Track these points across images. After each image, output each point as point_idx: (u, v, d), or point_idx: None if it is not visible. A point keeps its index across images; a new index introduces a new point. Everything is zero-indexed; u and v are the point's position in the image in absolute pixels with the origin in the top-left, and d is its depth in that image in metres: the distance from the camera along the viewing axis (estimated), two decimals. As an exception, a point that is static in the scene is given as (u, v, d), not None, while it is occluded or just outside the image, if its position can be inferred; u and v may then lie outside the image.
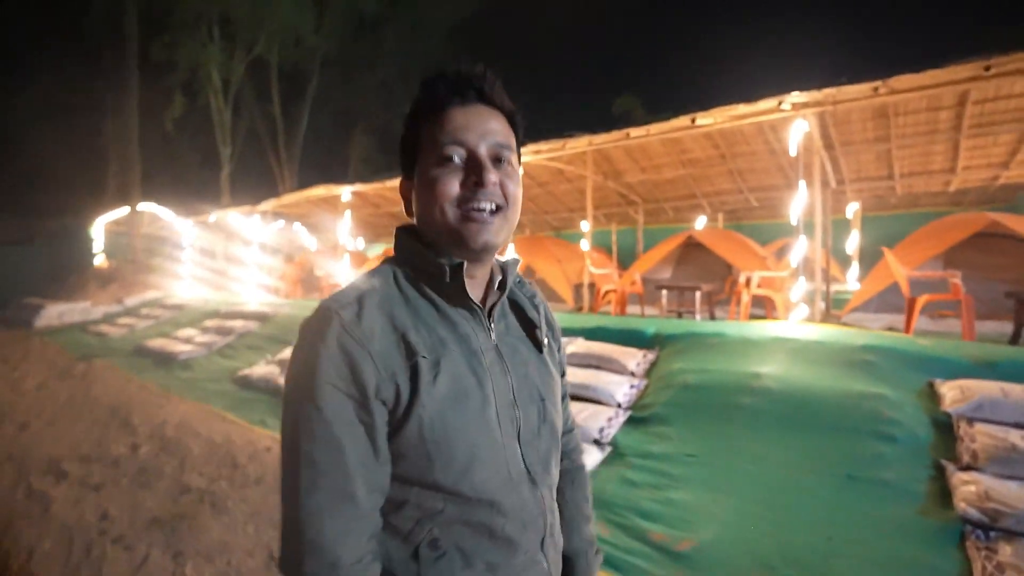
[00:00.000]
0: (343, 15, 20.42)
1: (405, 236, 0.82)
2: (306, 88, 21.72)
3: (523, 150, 6.20)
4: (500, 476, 0.77)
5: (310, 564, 0.67)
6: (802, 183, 4.78)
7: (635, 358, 4.55)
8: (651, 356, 4.62)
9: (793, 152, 4.78)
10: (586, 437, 3.79)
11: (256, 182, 20.76)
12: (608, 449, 3.69)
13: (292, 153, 21.59)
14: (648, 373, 4.43)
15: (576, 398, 4.28)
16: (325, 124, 23.89)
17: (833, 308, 7.29)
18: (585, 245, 7.53)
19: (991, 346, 3.81)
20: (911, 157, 7.39)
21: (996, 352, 3.69)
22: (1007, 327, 5.30)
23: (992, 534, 2.58)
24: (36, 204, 18.82)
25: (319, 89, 22.31)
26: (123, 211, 14.76)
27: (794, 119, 4.76)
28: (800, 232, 4.80)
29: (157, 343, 8.12)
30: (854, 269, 10.00)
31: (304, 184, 10.30)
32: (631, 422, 3.94)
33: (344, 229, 9.72)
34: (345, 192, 9.50)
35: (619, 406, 4.09)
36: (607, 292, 6.54)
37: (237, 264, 12.73)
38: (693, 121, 4.77)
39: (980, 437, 3.00)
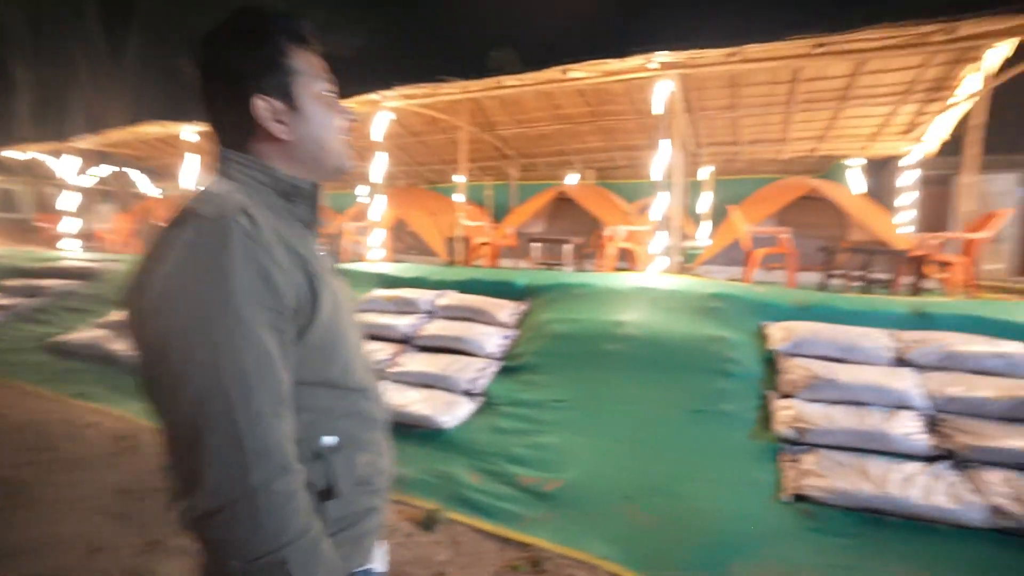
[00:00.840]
0: None
1: (254, 159, 0.82)
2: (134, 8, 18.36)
3: (393, 93, 5.76)
4: (364, 367, 0.88)
5: (258, 473, 0.64)
6: (666, 142, 5.04)
7: (507, 309, 4.59)
8: (523, 307, 4.69)
9: (658, 111, 5.00)
10: (457, 388, 3.77)
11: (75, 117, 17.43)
12: (480, 399, 3.70)
13: (122, 82, 18.33)
14: (520, 324, 4.50)
15: (448, 350, 4.23)
16: (168, 49, 20.50)
17: (687, 262, 7.99)
18: (460, 198, 7.39)
19: (807, 292, 4.40)
20: (754, 126, 8.17)
21: (810, 297, 4.26)
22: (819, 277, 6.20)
23: (799, 448, 3.02)
24: None
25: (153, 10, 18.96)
26: None
27: (659, 79, 4.96)
28: (662, 189, 5.09)
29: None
30: (705, 227, 11.05)
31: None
32: (503, 372, 3.99)
33: (189, 174, 8.52)
34: (186, 131, 8.29)
35: (491, 357, 4.12)
36: (480, 245, 6.51)
37: (51, 213, 10.68)
38: (565, 72, 4.76)
39: (796, 370, 3.46)
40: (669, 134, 5.11)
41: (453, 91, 5.86)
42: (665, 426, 3.29)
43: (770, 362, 3.70)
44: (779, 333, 3.83)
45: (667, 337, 3.89)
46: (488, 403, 3.68)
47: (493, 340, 4.23)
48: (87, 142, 9.97)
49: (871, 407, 3.18)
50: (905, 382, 3.28)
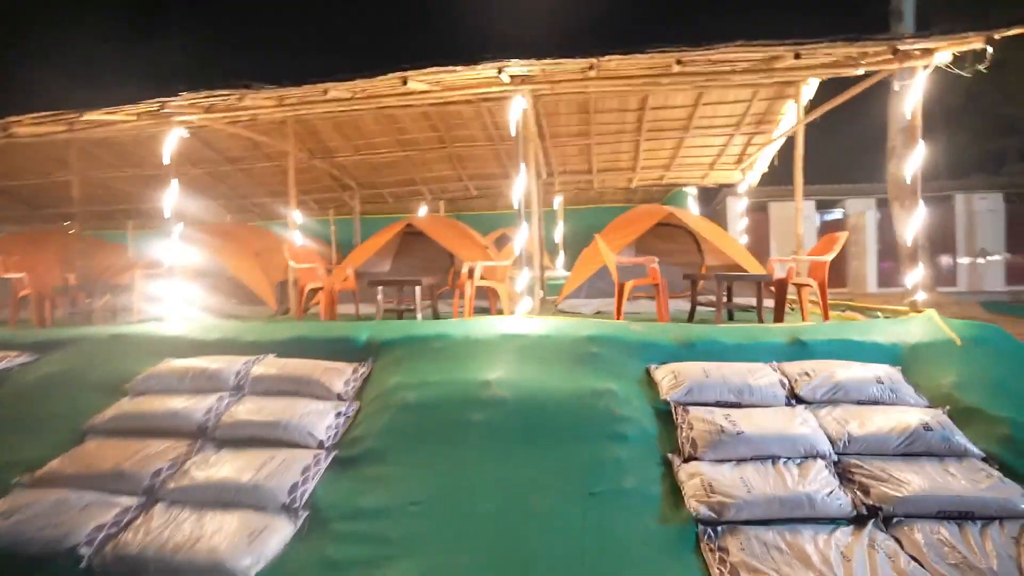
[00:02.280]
0: None
1: None
2: None
3: (183, 102, 4.46)
4: None
5: None
6: (522, 166, 4.46)
7: (343, 376, 3.56)
8: (364, 370, 3.69)
9: (512, 131, 4.42)
10: (271, 503, 2.64)
11: None
12: (303, 516, 2.62)
13: None
14: (360, 393, 3.49)
15: (263, 442, 3.07)
16: None
17: (548, 295, 7.57)
18: (295, 234, 6.16)
19: (685, 327, 4.02)
20: (605, 154, 8.12)
21: (691, 333, 3.87)
22: (683, 304, 6.05)
23: (720, 529, 2.45)
24: None
25: None
26: None
27: (512, 95, 4.40)
28: (522, 218, 4.48)
29: None
30: (561, 257, 10.90)
31: None
32: (338, 466, 2.95)
33: None
34: None
35: (321, 446, 3.04)
36: (313, 291, 5.37)
37: None
38: (404, 82, 3.98)
39: (695, 423, 2.94)
40: (526, 158, 4.54)
41: (265, 103, 4.73)
42: (556, 517, 2.52)
43: (664, 415, 3.16)
44: (668, 378, 3.32)
45: (544, 396, 3.17)
46: (315, 520, 2.62)
47: (324, 421, 3.17)
48: None
49: (782, 461, 2.74)
50: (806, 425, 2.92)
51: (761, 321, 4.55)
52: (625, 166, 8.62)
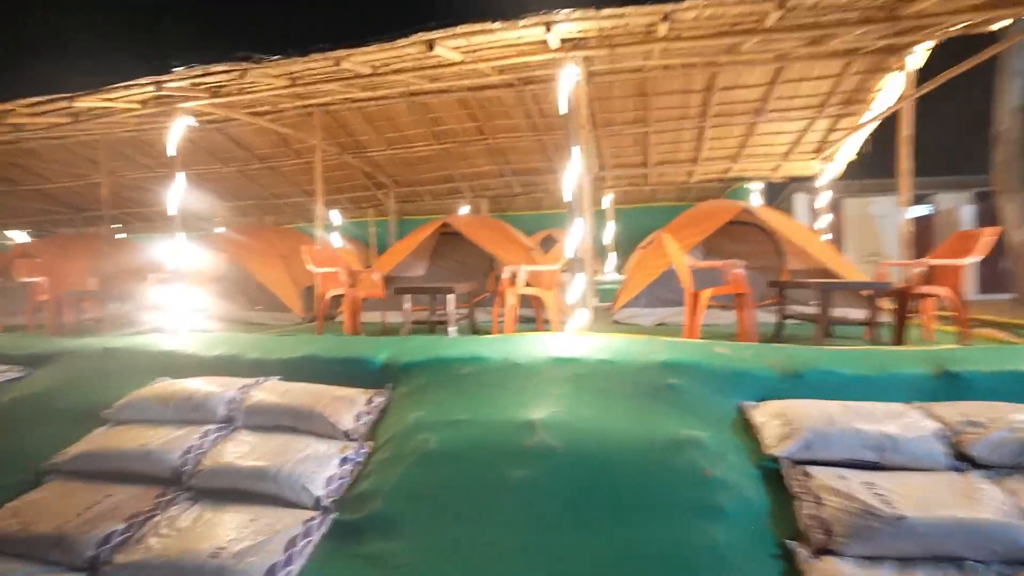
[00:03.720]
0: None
1: None
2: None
3: (189, 88, 3.90)
4: None
5: None
6: (575, 150, 3.68)
7: (354, 407, 2.86)
8: (380, 400, 2.98)
9: (563, 107, 3.65)
10: (241, 594, 1.97)
11: None
12: (277, 619, 1.93)
13: None
14: (373, 431, 2.79)
15: (246, 497, 2.42)
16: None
17: (602, 302, 6.74)
18: (325, 236, 5.61)
19: (791, 350, 3.13)
20: (664, 144, 7.23)
21: (796, 359, 2.98)
22: (762, 316, 5.11)
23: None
24: None
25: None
26: None
27: (563, 64, 3.63)
28: (575, 213, 3.69)
29: None
30: (611, 260, 10.02)
31: None
32: (336, 535, 2.25)
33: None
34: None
35: (318, 505, 2.35)
36: (335, 297, 4.76)
37: None
38: (431, 47, 3.25)
39: (825, 497, 2.08)
40: (579, 141, 3.76)
41: (276, 82, 4.12)
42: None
43: (772, 476, 2.31)
44: (775, 424, 2.46)
45: (606, 447, 2.38)
46: (294, 623, 1.91)
47: (325, 470, 2.48)
48: None
49: (972, 568, 1.85)
50: (996, 506, 2.02)
51: (877, 342, 3.60)
52: (685, 158, 7.69)
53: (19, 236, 11.54)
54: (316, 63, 3.50)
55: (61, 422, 3.17)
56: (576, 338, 3.45)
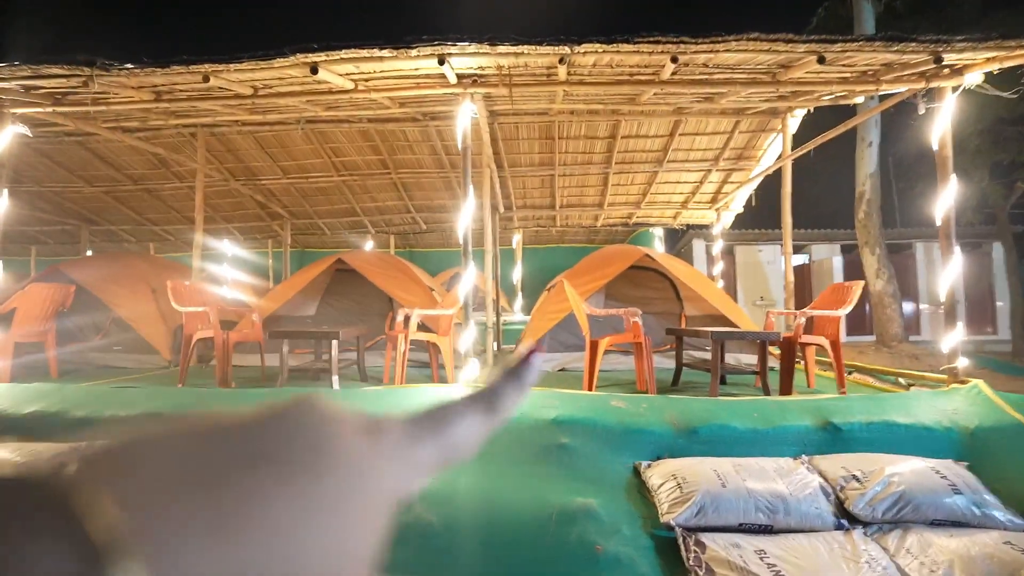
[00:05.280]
0: None
1: None
2: None
3: (21, 91, 3.30)
4: None
5: None
6: (470, 189, 3.50)
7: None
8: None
9: (459, 144, 3.48)
10: None
11: None
12: None
13: None
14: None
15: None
16: None
17: (505, 344, 6.55)
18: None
19: (686, 403, 3.05)
20: (570, 187, 7.32)
21: (692, 412, 2.91)
22: (661, 361, 5.15)
23: None
24: None
25: None
26: None
27: (460, 100, 3.48)
28: (468, 255, 3.49)
29: None
30: (519, 299, 9.96)
31: None
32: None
33: None
34: None
35: None
36: (204, 340, 4.19)
37: None
38: (314, 71, 2.97)
39: (720, 572, 1.95)
40: (475, 181, 3.59)
41: (134, 93, 3.62)
42: None
43: (667, 545, 2.15)
44: (669, 487, 2.32)
45: (491, 521, 2.11)
46: None
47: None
48: None
49: (860, 645, 1.76)
50: (881, 572, 1.97)
51: (767, 392, 3.66)
52: (591, 202, 7.84)
53: None
54: (180, 76, 3.09)
55: None
56: (467, 391, 3.19)
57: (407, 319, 3.83)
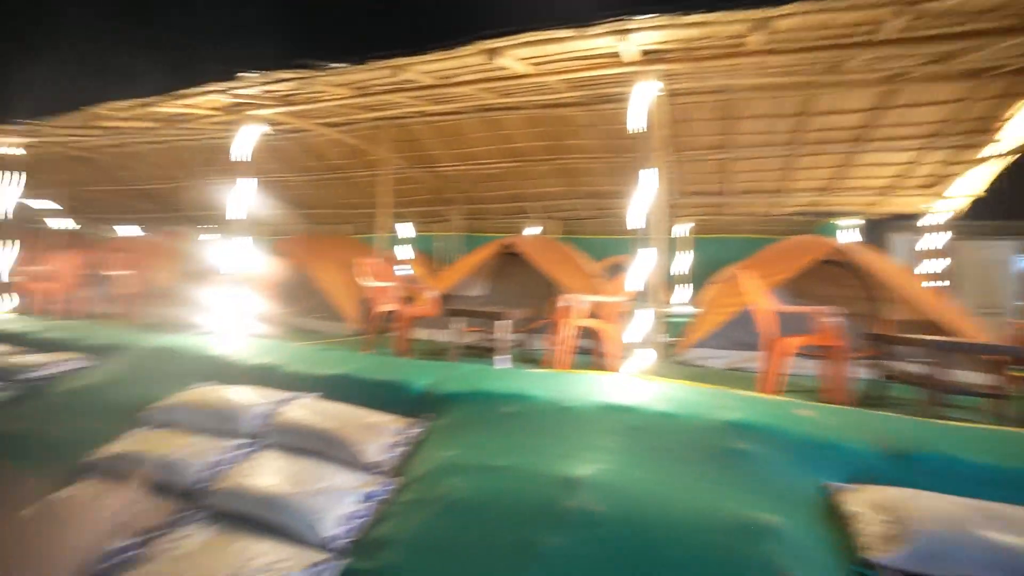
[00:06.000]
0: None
1: None
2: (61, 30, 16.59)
3: (255, 92, 3.91)
4: None
5: None
6: (653, 172, 3.34)
7: (385, 437, 2.65)
8: (416, 431, 2.76)
9: (636, 125, 3.33)
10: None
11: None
12: None
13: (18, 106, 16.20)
14: (406, 465, 2.55)
15: (256, 526, 2.24)
16: (86, 80, 18.55)
17: (669, 336, 6.27)
18: (388, 250, 5.56)
19: (895, 420, 2.61)
20: (746, 172, 6.71)
21: (905, 432, 2.47)
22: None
23: None
24: None
25: (85, 35, 17.29)
26: None
27: (639, 78, 3.33)
28: (644, 244, 3.35)
29: None
30: (683, 292, 9.45)
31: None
32: (345, 585, 2.03)
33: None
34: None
35: (324, 548, 2.13)
36: (387, 314, 4.63)
37: None
38: (491, 57, 3.04)
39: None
40: (653, 162, 3.43)
41: (339, 91, 4.09)
42: None
43: (867, 585, 1.85)
44: (875, 519, 2.00)
45: (660, 521, 2.01)
46: None
47: (341, 506, 2.27)
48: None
49: None
50: None
51: (1004, 420, 2.98)
52: (770, 188, 7.10)
53: (128, 231, 12.57)
54: (376, 72, 3.41)
55: (107, 417, 3.18)
56: (633, 382, 3.09)
57: (572, 305, 3.83)
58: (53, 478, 2.74)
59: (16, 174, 6.20)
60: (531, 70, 3.54)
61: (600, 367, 4.13)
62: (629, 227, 3.62)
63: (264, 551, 2.09)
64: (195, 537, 2.22)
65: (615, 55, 3.41)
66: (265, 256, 5.48)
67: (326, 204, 9.41)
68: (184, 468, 2.57)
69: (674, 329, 6.88)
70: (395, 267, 5.74)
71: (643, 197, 3.44)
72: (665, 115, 3.48)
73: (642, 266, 3.45)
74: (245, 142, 4.38)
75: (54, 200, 9.77)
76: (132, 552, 2.18)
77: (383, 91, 4.24)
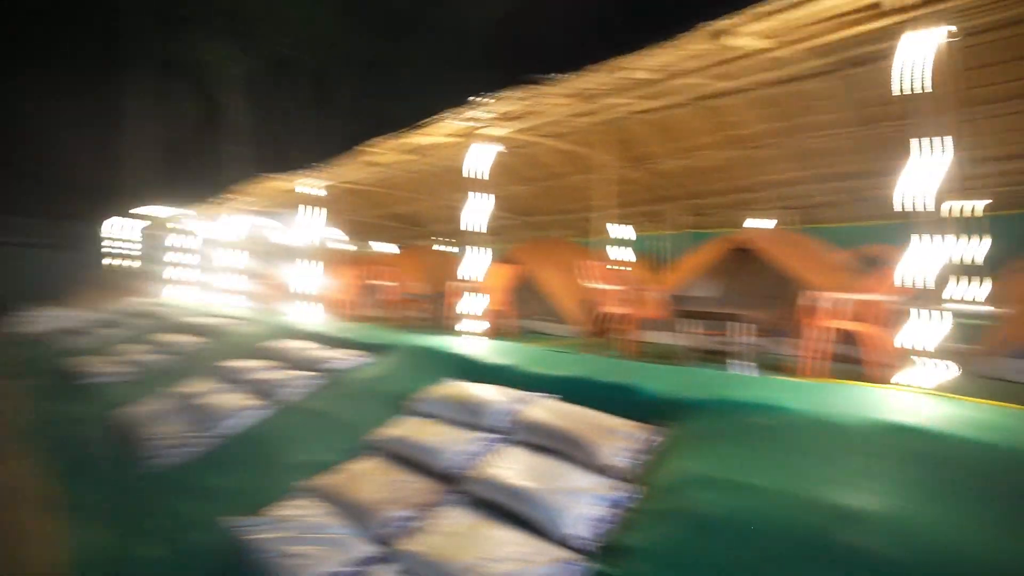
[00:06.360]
0: (371, 14, 19.35)
1: None
2: (337, 90, 20.83)
3: (487, 115, 4.30)
4: None
5: None
6: (925, 141, 2.71)
7: (627, 443, 2.63)
8: (656, 439, 2.68)
9: (907, 86, 2.73)
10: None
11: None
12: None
13: (322, 156, 20.66)
14: (647, 473, 2.50)
15: (507, 516, 2.42)
16: (363, 127, 22.78)
17: (961, 339, 5.04)
18: (607, 252, 5.62)
19: None
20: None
21: None
22: None
23: None
24: (65, 209, 18.67)
25: (353, 91, 21.43)
26: (132, 213, 14.07)
27: (910, 26, 2.72)
28: (922, 220, 2.73)
29: (82, 362, 6.82)
30: (971, 286, 7.54)
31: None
32: (593, 586, 2.05)
33: (305, 223, 8.14)
34: (301, 183, 7.93)
35: (575, 547, 2.19)
36: (613, 315, 4.62)
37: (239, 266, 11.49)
38: (717, 37, 2.73)
39: None
40: (934, 123, 2.78)
41: (561, 96, 4.19)
42: None
43: None
44: None
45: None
46: None
47: (587, 508, 2.31)
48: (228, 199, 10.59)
49: None
50: None
51: None
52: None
53: (384, 247, 15.11)
54: (597, 75, 3.42)
55: (379, 405, 3.80)
56: (918, 398, 2.54)
57: (822, 304, 3.32)
58: (345, 450, 3.36)
59: (318, 209, 7.89)
60: (768, 44, 3.17)
61: (864, 377, 3.50)
62: (893, 209, 3.00)
63: (514, 540, 2.24)
64: (457, 518, 2.49)
65: (871, 5, 2.86)
66: (497, 263, 5.96)
67: (545, 211, 9.89)
68: (442, 454, 2.91)
69: (968, 332, 5.50)
70: (617, 269, 5.74)
71: (916, 171, 2.81)
72: (948, 65, 2.76)
73: (917, 255, 2.81)
74: (478, 160, 4.84)
75: (335, 226, 12.16)
76: (408, 522, 2.54)
77: (603, 93, 4.26)
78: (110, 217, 14.40)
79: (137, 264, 14.78)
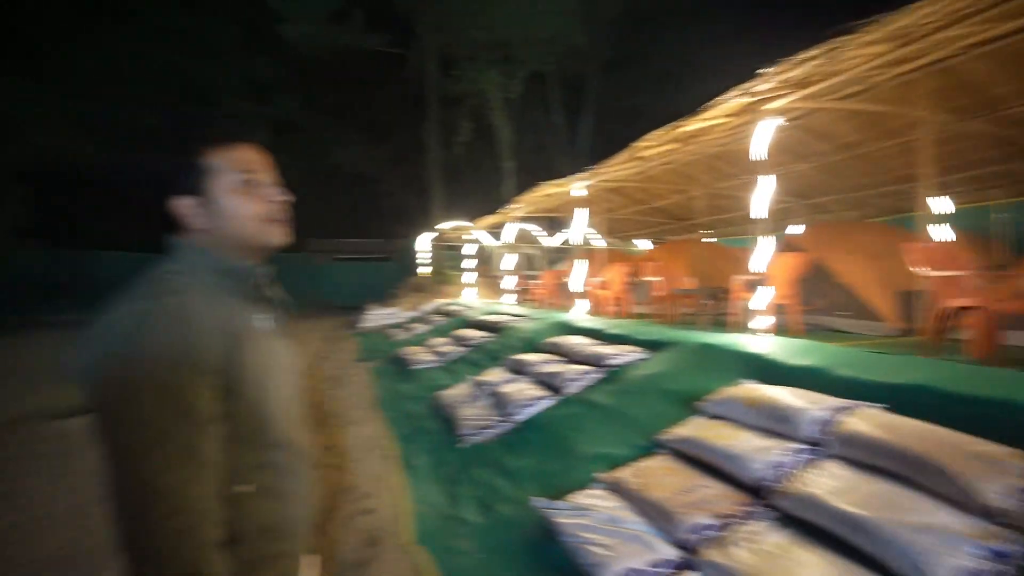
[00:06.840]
0: (612, 16, 19.61)
1: (191, 245, 0.97)
2: (586, 93, 21.65)
3: (766, 91, 3.81)
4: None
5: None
6: None
7: (1005, 476, 2.00)
8: (1054, 476, 1.97)
9: None
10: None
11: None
12: None
13: (578, 158, 21.76)
14: (1044, 522, 1.85)
15: (839, 545, 2.05)
16: (612, 124, 23.29)
17: None
18: (934, 231, 4.47)
19: None
20: None
21: None
22: None
23: None
24: (392, 229, 23.78)
25: (599, 91, 21.99)
26: (436, 228, 17.06)
27: None
28: None
29: (409, 351, 8.42)
30: None
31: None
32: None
33: (577, 226, 8.51)
34: (575, 187, 8.28)
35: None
36: (959, 311, 3.58)
37: (511, 269, 12.92)
38: None
39: None
40: None
41: (866, 45, 3.41)
42: None
43: None
44: None
45: None
46: None
47: (954, 557, 1.82)
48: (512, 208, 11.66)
49: None
50: None
51: None
52: None
53: (644, 244, 15.04)
54: (923, 7, 2.64)
55: (665, 402, 3.69)
56: None
57: None
58: (634, 446, 3.35)
59: (582, 210, 8.24)
60: None
61: None
62: None
63: (843, 573, 1.90)
64: (770, 536, 2.23)
65: None
66: (779, 252, 5.30)
67: (830, 189, 8.46)
68: (745, 462, 2.66)
69: None
70: (959, 251, 4.52)
71: None
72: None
73: None
74: (759, 139, 4.34)
75: (594, 225, 12.54)
76: (711, 531, 2.38)
77: (930, 30, 3.38)
78: (420, 233, 17.66)
79: (439, 270, 17.79)
